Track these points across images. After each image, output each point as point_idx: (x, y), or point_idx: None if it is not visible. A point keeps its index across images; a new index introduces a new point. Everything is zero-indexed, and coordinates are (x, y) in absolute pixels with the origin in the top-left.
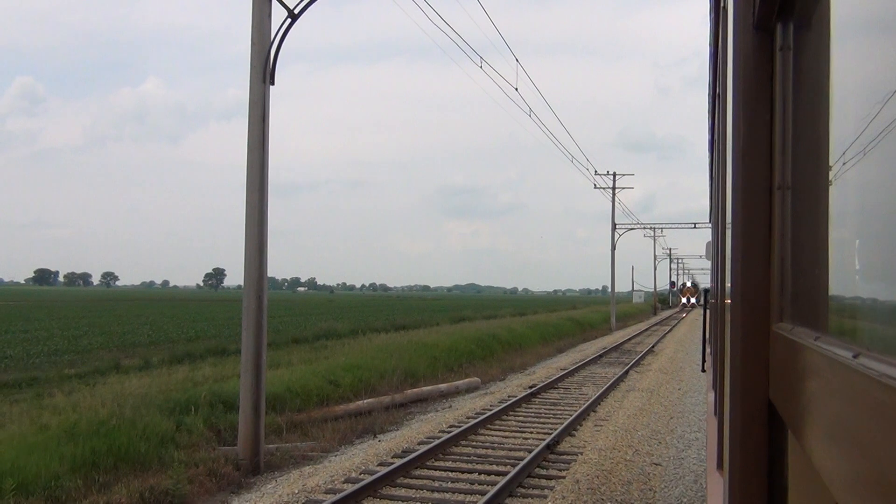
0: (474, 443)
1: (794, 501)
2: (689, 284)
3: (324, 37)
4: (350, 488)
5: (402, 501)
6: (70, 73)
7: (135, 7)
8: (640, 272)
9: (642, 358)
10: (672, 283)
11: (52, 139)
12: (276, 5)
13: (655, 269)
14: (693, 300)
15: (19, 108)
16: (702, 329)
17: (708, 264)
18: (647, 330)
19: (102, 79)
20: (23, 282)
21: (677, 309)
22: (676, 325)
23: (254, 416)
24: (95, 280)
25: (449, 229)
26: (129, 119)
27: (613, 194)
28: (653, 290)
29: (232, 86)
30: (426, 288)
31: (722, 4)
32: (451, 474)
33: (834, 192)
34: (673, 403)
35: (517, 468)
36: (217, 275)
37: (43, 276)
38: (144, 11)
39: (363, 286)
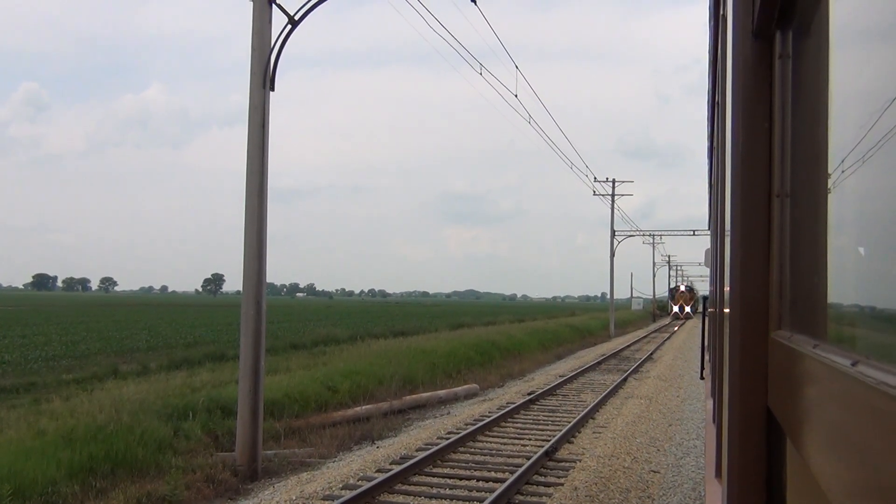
0: (472, 449)
1: None
2: (682, 289)
3: (325, 43)
4: (348, 494)
5: None
6: (73, 78)
7: (138, 12)
8: (639, 279)
9: (641, 365)
10: (671, 290)
11: (54, 144)
12: (276, 12)
13: (654, 276)
14: (688, 309)
15: (24, 114)
16: (700, 337)
17: (707, 271)
18: (645, 337)
19: (105, 84)
20: (21, 287)
21: (667, 320)
22: (676, 331)
23: (252, 422)
24: (94, 285)
25: (448, 235)
26: (131, 124)
27: (612, 201)
28: (652, 297)
29: (235, 92)
30: (425, 294)
31: (721, 12)
32: (449, 481)
33: (833, 200)
34: (671, 411)
35: (515, 475)
36: (216, 280)
37: (41, 281)
38: (148, 17)
39: (362, 292)
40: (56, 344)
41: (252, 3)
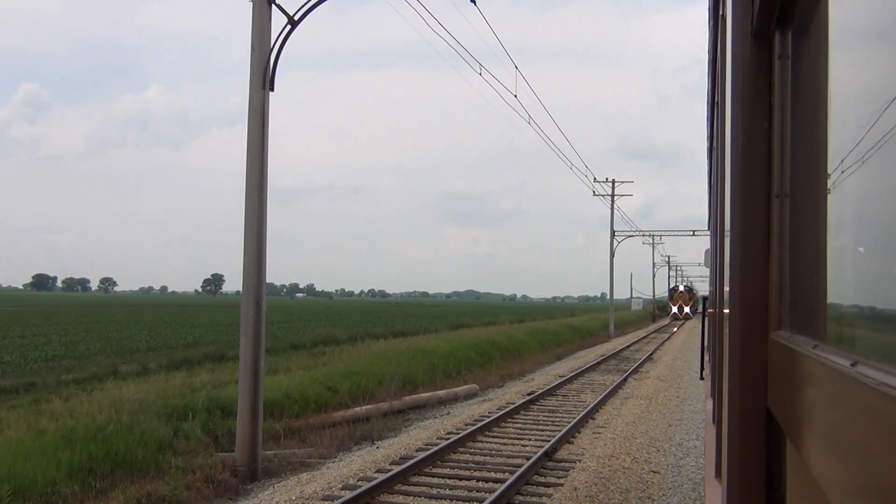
0: (472, 450)
1: None
2: (682, 289)
3: (325, 43)
4: (348, 495)
5: None
6: (74, 78)
7: (138, 12)
8: (638, 279)
9: (641, 365)
10: (671, 290)
11: (54, 145)
12: (276, 12)
13: (654, 276)
14: (688, 309)
15: (24, 114)
16: (700, 337)
17: (706, 271)
18: (645, 337)
19: (106, 85)
20: (21, 287)
21: (667, 320)
22: (675, 332)
23: (251, 423)
24: (94, 285)
25: (448, 235)
26: (131, 125)
27: (612, 201)
28: (651, 297)
29: (235, 92)
30: (425, 294)
31: (721, 13)
32: (448, 481)
33: (832, 200)
34: (671, 411)
35: (515, 475)
36: (216, 280)
37: (41, 282)
38: (148, 17)
39: (362, 292)
40: (56, 344)
41: (252, 3)
